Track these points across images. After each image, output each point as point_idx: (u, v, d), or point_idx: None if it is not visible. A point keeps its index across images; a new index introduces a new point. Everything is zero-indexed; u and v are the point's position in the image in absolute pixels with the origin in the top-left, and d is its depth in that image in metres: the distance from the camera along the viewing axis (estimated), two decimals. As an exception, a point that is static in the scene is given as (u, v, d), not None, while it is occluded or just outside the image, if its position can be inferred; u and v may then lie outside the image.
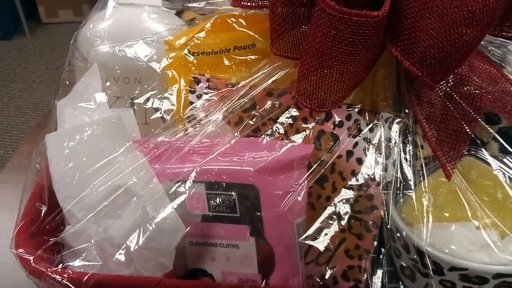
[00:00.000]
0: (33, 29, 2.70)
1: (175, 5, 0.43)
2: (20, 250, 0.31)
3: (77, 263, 0.30)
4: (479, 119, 0.29)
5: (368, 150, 0.32)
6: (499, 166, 0.29)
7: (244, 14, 0.35)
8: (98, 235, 0.32)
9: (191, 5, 0.43)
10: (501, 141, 0.30)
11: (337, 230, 0.32)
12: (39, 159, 0.34)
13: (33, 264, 0.30)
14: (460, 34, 0.26)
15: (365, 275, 0.33)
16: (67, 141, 0.31)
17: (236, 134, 0.32)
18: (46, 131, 0.35)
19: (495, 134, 0.30)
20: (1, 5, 2.57)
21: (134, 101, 0.35)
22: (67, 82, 0.35)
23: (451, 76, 0.29)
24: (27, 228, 0.32)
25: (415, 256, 0.29)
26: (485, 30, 0.26)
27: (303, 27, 0.32)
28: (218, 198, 0.31)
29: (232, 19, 0.34)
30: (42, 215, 0.32)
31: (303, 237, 0.31)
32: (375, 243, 0.32)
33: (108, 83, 0.34)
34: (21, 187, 0.58)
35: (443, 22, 0.26)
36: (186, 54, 0.34)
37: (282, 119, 0.32)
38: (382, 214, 0.32)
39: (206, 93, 0.34)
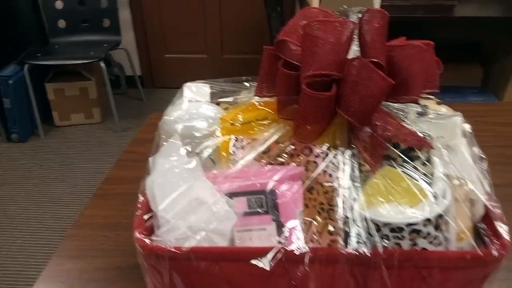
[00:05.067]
0: (47, 131, 2.95)
1: (213, 100, 0.71)
2: (139, 235, 0.54)
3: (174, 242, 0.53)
4: (389, 146, 0.56)
5: (334, 169, 0.57)
6: (402, 170, 0.55)
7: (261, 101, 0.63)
8: (184, 226, 0.55)
9: (222, 100, 0.72)
10: (402, 157, 0.56)
11: (322, 218, 0.56)
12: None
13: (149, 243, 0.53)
14: (370, 101, 0.53)
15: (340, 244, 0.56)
16: (169, 176, 0.56)
17: (261, 164, 0.57)
18: (144, 179, 0.60)
19: (399, 153, 0.56)
20: (21, 113, 2.83)
21: (198, 153, 0.61)
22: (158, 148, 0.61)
23: (371, 124, 0.56)
24: (142, 224, 0.56)
25: (365, 223, 0.53)
26: (381, 100, 0.54)
27: (295, 105, 0.59)
28: (253, 200, 0.56)
29: (256, 103, 0.62)
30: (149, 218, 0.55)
31: (303, 218, 0.55)
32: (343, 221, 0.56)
33: (185, 144, 0.60)
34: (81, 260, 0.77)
35: (361, 96, 0.54)
36: (232, 124, 0.61)
37: (286, 155, 0.58)
38: (346, 204, 0.56)
39: (242, 146, 0.60)
